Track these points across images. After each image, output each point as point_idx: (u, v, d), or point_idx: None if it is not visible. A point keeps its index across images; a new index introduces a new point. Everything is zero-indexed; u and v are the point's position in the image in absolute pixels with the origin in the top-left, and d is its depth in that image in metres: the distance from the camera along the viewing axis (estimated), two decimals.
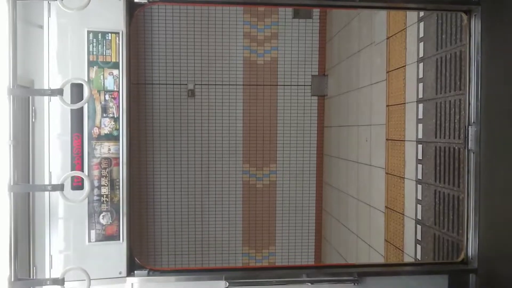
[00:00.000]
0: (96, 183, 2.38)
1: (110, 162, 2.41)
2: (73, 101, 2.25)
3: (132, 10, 2.48)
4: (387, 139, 3.91)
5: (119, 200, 2.41)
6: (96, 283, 2.30)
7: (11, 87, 1.93)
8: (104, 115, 2.39)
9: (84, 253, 2.38)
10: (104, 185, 2.40)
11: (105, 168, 2.40)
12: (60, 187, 2.05)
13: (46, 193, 2.31)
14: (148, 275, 2.47)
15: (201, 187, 5.87)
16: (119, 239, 2.42)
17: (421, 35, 3.34)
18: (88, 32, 2.35)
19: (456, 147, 2.86)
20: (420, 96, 3.36)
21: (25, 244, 2.38)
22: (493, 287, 2.47)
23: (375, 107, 4.20)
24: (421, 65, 3.35)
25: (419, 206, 3.36)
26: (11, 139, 1.93)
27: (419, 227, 3.36)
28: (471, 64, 2.60)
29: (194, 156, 5.85)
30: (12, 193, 1.95)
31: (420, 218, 3.34)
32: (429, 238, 3.21)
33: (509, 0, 2.35)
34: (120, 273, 2.42)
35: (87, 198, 2.29)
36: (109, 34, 2.38)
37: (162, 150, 5.80)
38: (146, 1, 2.41)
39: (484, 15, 2.53)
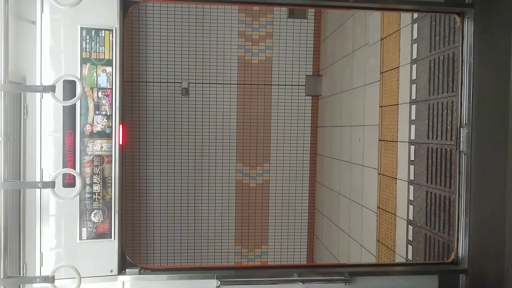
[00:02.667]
0: (88, 181, 2.37)
1: (102, 159, 2.39)
2: (65, 98, 2.24)
3: (126, 7, 2.47)
4: (380, 140, 3.93)
5: (111, 198, 2.40)
6: (87, 281, 2.29)
7: (2, 83, 1.91)
8: (97, 112, 2.38)
9: (75, 251, 2.36)
10: (96, 183, 2.39)
11: (97, 166, 2.39)
12: (51, 184, 2.03)
13: (38, 190, 2.29)
14: (140, 273, 2.46)
15: (194, 186, 5.86)
16: (111, 237, 2.41)
17: (415, 36, 3.36)
18: (82, 28, 2.34)
19: (448, 149, 2.88)
20: (413, 97, 3.38)
21: (15, 241, 2.36)
22: (482, 287, 2.49)
23: (368, 107, 4.22)
24: (414, 66, 3.37)
25: (410, 207, 3.38)
26: (2, 135, 1.91)
27: (410, 227, 3.38)
28: (464, 66, 2.61)
29: (188, 154, 5.84)
30: (2, 190, 1.93)
31: (411, 219, 3.36)
32: (420, 238, 3.23)
33: (502, 3, 2.37)
34: (111, 271, 2.41)
35: (78, 196, 2.28)
36: (103, 31, 2.37)
37: (156, 148, 5.78)
38: None
39: (477, 17, 2.55)
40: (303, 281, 2.49)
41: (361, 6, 2.66)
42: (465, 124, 2.60)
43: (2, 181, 1.93)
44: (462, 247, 2.61)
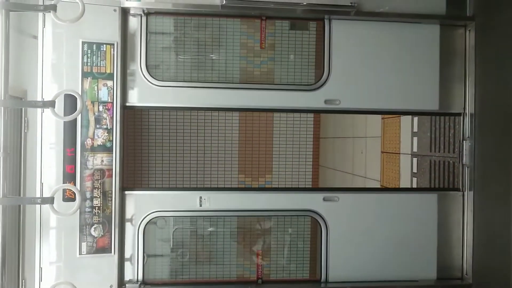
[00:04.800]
0: (88, 195, 2.36)
1: (103, 173, 2.38)
2: (66, 112, 2.23)
3: (127, 21, 2.48)
4: (382, 152, 3.91)
5: (111, 212, 2.39)
6: None
7: (2, 98, 1.91)
8: (98, 126, 2.37)
9: (75, 265, 2.34)
10: (97, 197, 2.37)
11: (98, 180, 2.37)
12: (50, 200, 2.02)
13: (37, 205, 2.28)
14: None
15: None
16: (111, 252, 2.39)
17: None
18: (83, 43, 2.35)
19: (451, 161, 2.86)
20: None
21: (14, 256, 2.34)
22: None
23: (370, 119, 4.20)
24: None
25: None
26: (1, 151, 1.90)
27: None
28: (466, 78, 2.61)
29: (190, 164, 5.82)
30: (0, 205, 1.92)
31: None
32: None
33: (502, 15, 2.37)
34: (111, 286, 2.39)
35: (78, 210, 2.26)
36: (104, 45, 2.37)
37: (158, 160, 5.77)
38: (141, 13, 2.41)
39: (478, 30, 2.55)
40: None
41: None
42: (468, 137, 2.58)
43: (0, 196, 1.91)
44: (466, 262, 2.58)
